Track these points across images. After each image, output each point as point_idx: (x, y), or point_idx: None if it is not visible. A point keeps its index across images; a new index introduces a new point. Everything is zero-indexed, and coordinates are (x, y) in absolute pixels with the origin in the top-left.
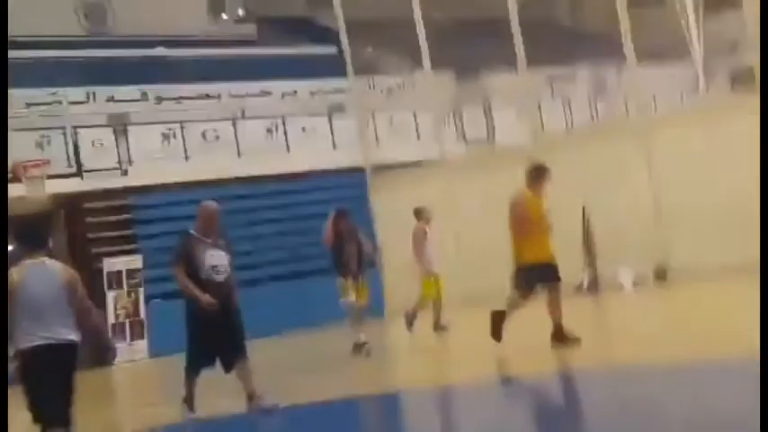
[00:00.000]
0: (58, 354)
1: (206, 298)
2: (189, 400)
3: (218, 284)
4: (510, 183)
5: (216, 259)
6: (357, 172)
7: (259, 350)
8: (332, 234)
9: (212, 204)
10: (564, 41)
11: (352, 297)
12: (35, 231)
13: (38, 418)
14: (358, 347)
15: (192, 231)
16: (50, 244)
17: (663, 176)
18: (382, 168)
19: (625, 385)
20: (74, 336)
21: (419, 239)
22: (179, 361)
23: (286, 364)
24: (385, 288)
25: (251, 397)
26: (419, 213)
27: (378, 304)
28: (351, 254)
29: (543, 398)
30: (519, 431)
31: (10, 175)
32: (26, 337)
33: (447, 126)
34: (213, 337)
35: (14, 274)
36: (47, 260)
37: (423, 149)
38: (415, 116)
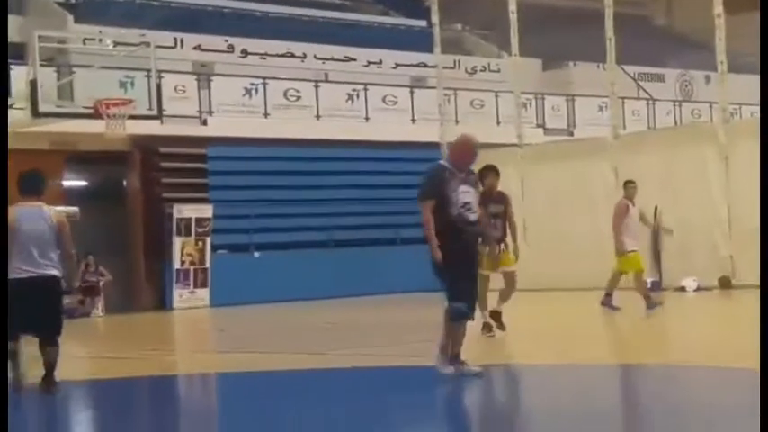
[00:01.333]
0: (41, 284)
1: (437, 252)
2: (446, 350)
3: (470, 223)
4: (586, 175)
5: (469, 196)
6: (433, 147)
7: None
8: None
9: (472, 136)
10: (656, 41)
11: (486, 269)
12: (33, 181)
13: (18, 335)
14: (488, 326)
15: (443, 163)
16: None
17: (739, 187)
18: None
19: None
20: (56, 271)
21: (621, 214)
22: (237, 312)
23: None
24: None
25: (457, 357)
26: (627, 186)
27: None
28: (495, 218)
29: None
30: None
31: (91, 110)
32: (15, 270)
33: (527, 112)
34: (468, 279)
35: (12, 213)
36: (43, 205)
37: (501, 133)
38: (496, 99)
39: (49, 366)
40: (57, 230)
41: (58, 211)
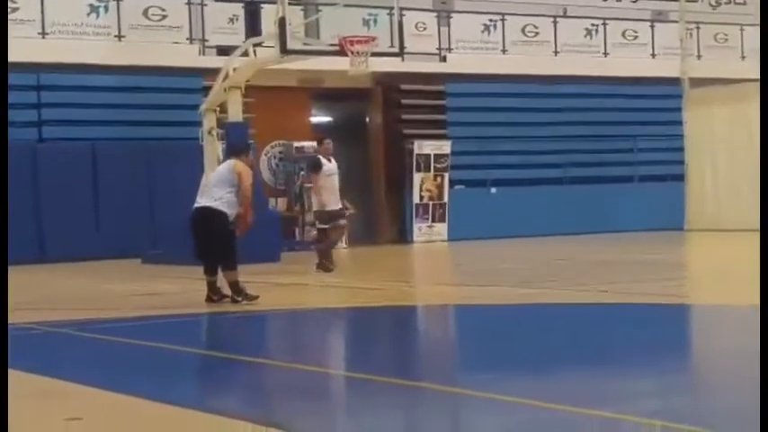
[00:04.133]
0: (202, 215)
1: None
2: None
3: None
4: None
5: None
6: (673, 83)
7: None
8: None
9: None
10: None
11: None
12: (233, 146)
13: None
14: None
15: None
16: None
17: None
18: (700, 82)
19: None
20: (218, 206)
21: None
22: (474, 246)
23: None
24: (687, 204)
25: None
26: None
27: (678, 219)
28: None
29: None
30: None
31: (337, 48)
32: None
33: None
34: None
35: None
36: (233, 160)
37: (746, 68)
38: (741, 32)
39: (229, 285)
40: (235, 178)
41: (239, 163)
